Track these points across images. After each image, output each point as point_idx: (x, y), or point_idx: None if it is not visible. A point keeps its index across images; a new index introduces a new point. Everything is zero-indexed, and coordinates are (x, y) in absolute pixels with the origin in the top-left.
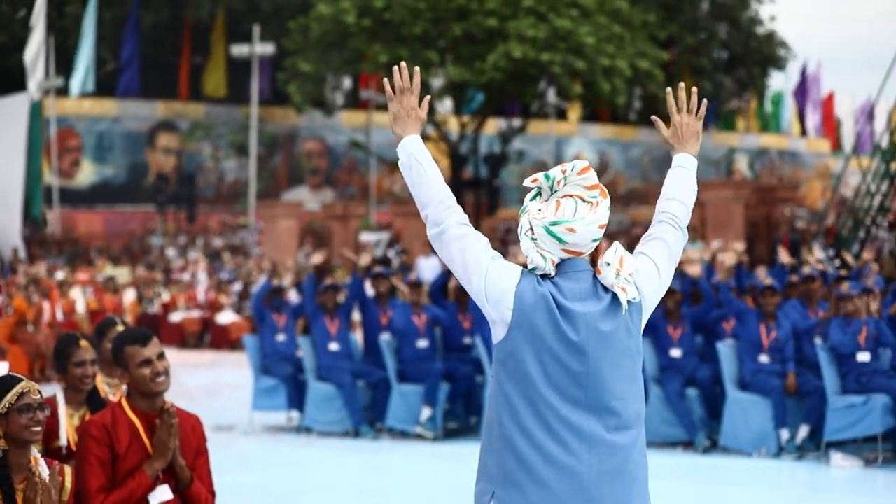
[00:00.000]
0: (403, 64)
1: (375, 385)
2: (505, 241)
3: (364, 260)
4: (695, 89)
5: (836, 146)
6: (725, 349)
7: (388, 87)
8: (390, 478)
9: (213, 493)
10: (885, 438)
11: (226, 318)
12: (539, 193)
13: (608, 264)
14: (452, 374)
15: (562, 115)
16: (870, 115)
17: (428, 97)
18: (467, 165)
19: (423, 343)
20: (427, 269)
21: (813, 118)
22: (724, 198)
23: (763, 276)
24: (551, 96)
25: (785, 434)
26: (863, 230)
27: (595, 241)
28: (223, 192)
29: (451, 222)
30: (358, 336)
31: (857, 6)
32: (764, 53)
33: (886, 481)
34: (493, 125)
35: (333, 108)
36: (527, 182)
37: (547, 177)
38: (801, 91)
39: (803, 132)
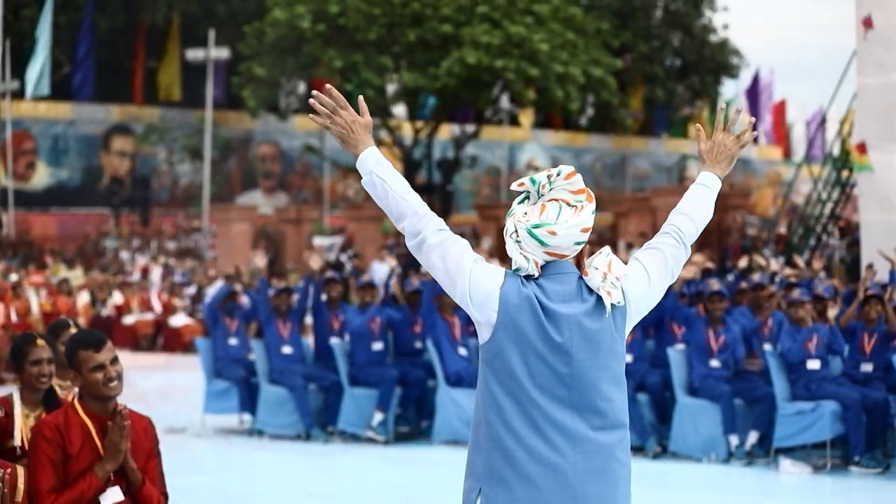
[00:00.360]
0: (315, 92)
1: (327, 388)
2: None
3: (315, 263)
4: (752, 119)
5: (787, 154)
6: (675, 354)
7: (317, 120)
8: (341, 481)
9: (165, 496)
10: (833, 445)
11: (178, 320)
12: (527, 197)
13: (596, 268)
14: (404, 379)
15: (515, 121)
16: (821, 123)
17: (360, 97)
18: (420, 170)
19: (377, 346)
20: (381, 273)
21: (764, 125)
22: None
23: (713, 282)
24: (504, 102)
25: (734, 440)
26: (813, 238)
27: (577, 244)
28: (177, 196)
29: (428, 231)
30: (309, 340)
31: (809, 16)
32: (717, 61)
33: (835, 487)
34: (447, 130)
35: (287, 112)
36: (514, 186)
37: (533, 181)
38: (753, 97)
39: (754, 139)
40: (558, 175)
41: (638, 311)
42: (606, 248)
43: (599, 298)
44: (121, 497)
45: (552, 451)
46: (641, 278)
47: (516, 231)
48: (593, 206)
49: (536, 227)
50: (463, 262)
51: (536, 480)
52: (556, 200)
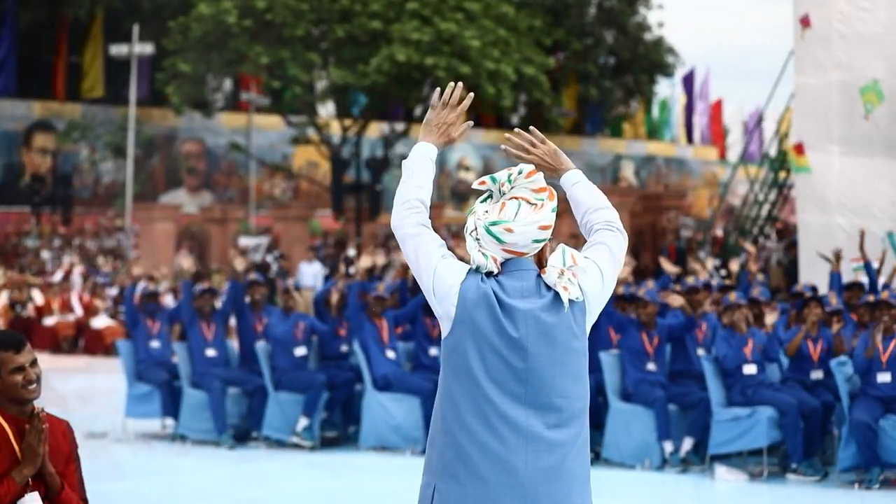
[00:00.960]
0: (460, 84)
1: (251, 393)
2: (386, 247)
3: (239, 265)
4: (518, 131)
5: (724, 154)
6: (608, 359)
7: (436, 96)
8: (266, 488)
9: (85, 501)
10: (770, 452)
11: (100, 322)
12: (490, 196)
13: (552, 265)
14: (331, 382)
15: None
16: (758, 123)
17: (470, 123)
18: (349, 169)
19: (300, 351)
20: (308, 275)
21: (700, 125)
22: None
23: (651, 287)
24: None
25: (668, 446)
26: (750, 240)
27: (536, 241)
28: (99, 194)
29: (409, 222)
30: (234, 343)
31: (747, 15)
32: (651, 60)
33: (771, 495)
34: (376, 129)
35: (213, 109)
36: (475, 185)
37: (493, 179)
38: (689, 95)
39: (690, 140)
40: (519, 173)
41: (597, 305)
42: (562, 245)
43: (557, 294)
44: (39, 502)
45: (504, 448)
46: (596, 274)
47: (476, 229)
48: (554, 203)
49: (494, 224)
50: (432, 256)
51: (487, 477)
52: (517, 198)
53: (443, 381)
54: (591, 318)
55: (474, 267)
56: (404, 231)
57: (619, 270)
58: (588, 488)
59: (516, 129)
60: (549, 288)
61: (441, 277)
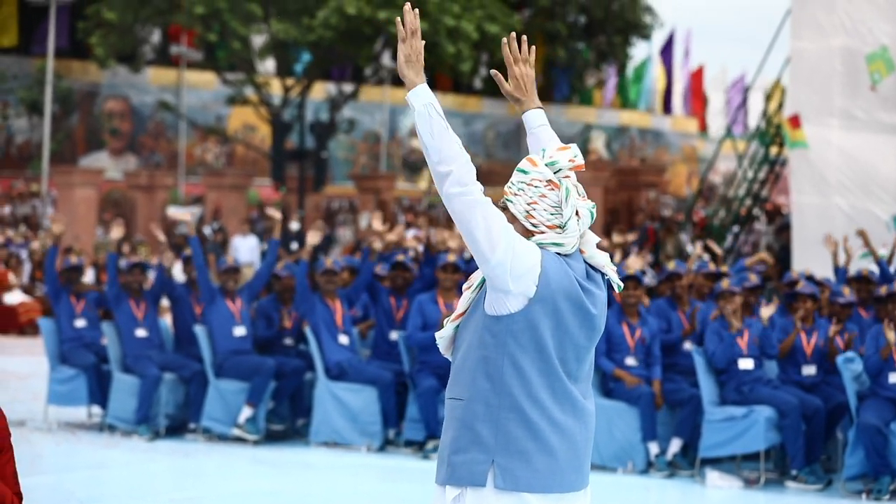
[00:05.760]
0: (408, 6)
1: (189, 379)
2: (331, 222)
3: (167, 260)
4: (524, 37)
5: (704, 127)
6: None
7: (400, 28)
8: (204, 485)
9: (19, 496)
10: (767, 456)
11: (14, 298)
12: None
13: (597, 249)
14: (279, 369)
15: (398, 81)
16: (745, 92)
17: (422, 42)
18: (291, 134)
19: (239, 331)
20: (244, 250)
21: (680, 94)
22: (581, 180)
23: (630, 263)
24: (387, 59)
25: (654, 448)
26: (737, 222)
27: None
28: (12, 156)
29: (476, 187)
30: (169, 323)
31: None
32: (626, 19)
33: None
34: (322, 90)
35: (140, 63)
36: (568, 163)
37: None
38: (667, 62)
39: (667, 110)
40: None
41: None
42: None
43: (602, 276)
44: None
45: (569, 423)
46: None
47: (575, 212)
48: None
49: (594, 206)
50: (509, 229)
51: (556, 452)
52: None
53: (507, 357)
54: None
55: (558, 247)
56: (473, 197)
57: None
58: None
59: (514, 34)
60: (593, 268)
61: (521, 255)
